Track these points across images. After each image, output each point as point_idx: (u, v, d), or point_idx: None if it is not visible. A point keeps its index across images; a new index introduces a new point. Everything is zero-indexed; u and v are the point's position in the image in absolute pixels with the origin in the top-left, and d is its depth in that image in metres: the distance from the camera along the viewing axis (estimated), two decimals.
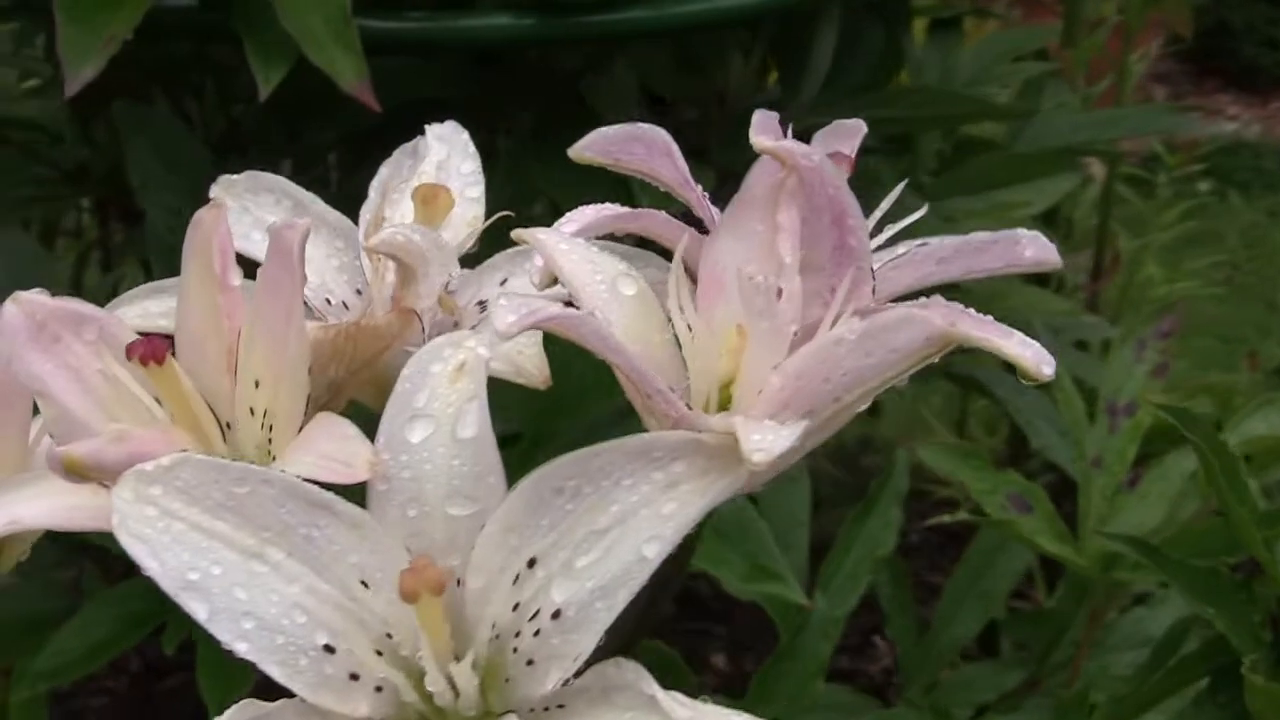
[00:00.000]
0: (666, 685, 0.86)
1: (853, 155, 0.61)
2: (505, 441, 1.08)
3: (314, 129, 1.08)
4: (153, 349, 0.49)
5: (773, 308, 0.47)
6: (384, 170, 0.63)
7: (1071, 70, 1.55)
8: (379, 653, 0.45)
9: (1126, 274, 1.79)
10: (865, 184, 1.25)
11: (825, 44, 1.11)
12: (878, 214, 0.59)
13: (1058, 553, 0.94)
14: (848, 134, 0.62)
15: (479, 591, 0.45)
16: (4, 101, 1.37)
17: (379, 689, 0.44)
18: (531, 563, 0.44)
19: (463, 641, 0.46)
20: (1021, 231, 0.57)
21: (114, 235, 1.43)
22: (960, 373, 1.26)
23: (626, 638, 0.59)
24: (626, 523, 0.43)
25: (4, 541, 0.55)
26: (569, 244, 0.51)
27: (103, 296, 0.59)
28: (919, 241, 0.58)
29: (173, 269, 0.56)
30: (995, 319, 0.53)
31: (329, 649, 0.44)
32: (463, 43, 1.01)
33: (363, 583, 0.45)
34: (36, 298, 0.52)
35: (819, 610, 0.93)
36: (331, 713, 0.44)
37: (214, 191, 0.61)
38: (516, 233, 0.51)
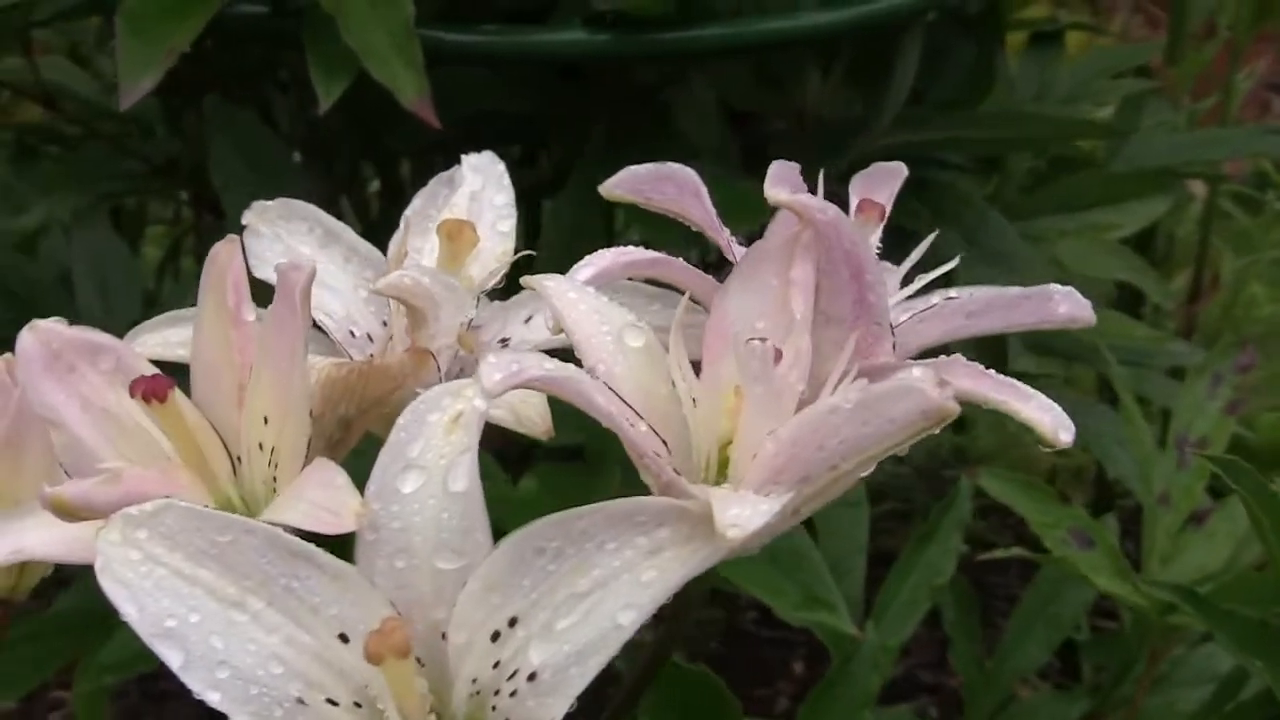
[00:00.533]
0: (712, 715, 0.86)
1: (887, 201, 0.59)
2: (570, 453, 1.07)
3: (389, 136, 1.08)
4: (154, 386, 0.49)
5: (769, 371, 0.45)
6: (417, 200, 0.63)
7: (1176, 87, 1.50)
8: (358, 704, 0.44)
9: (1230, 294, 1.73)
10: (951, 203, 1.23)
11: (909, 61, 1.09)
12: (908, 262, 0.57)
13: (1116, 592, 0.91)
14: (885, 178, 0.60)
15: (461, 647, 0.45)
16: (97, 94, 1.40)
17: None
18: (513, 622, 0.44)
19: (444, 695, 0.45)
20: (1055, 288, 0.55)
21: (206, 226, 1.45)
22: None
23: (651, 659, 0.59)
24: (607, 586, 0.43)
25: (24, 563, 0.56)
26: (577, 293, 0.50)
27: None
28: (949, 293, 0.56)
29: None
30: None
31: (302, 702, 0.43)
32: (536, 57, 1.00)
33: (342, 635, 0.44)
34: (54, 327, 0.52)
35: (870, 640, 0.91)
36: None
37: (247, 218, 0.61)
38: (525, 280, 0.50)
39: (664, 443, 0.48)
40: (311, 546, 0.44)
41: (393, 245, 0.60)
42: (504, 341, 0.58)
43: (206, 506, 0.49)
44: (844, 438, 0.44)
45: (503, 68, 1.06)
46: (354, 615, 0.44)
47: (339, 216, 1.11)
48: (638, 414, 0.47)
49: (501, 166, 0.63)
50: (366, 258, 0.61)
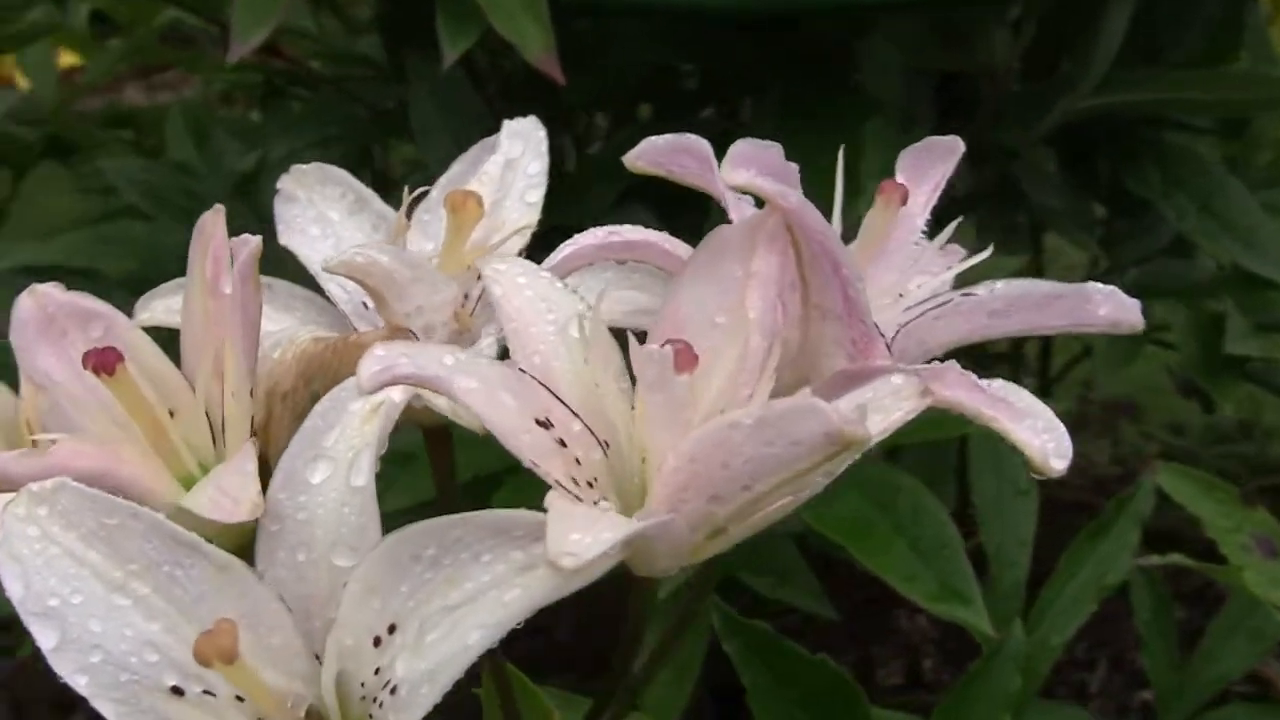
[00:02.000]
0: (835, 705, 0.81)
1: (939, 181, 0.53)
2: None
3: (570, 89, 1.06)
4: (103, 359, 0.48)
5: (667, 379, 0.41)
6: (456, 166, 0.60)
7: None
8: (239, 698, 0.42)
9: None
10: (1186, 168, 1.13)
11: (1118, 16, 0.99)
12: (933, 246, 0.51)
13: None
14: (940, 154, 0.54)
15: (349, 650, 0.42)
16: (343, 40, 1.42)
17: None
18: (392, 629, 0.41)
19: (344, 698, 0.43)
20: (1094, 286, 0.48)
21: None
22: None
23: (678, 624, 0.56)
24: (475, 602, 0.39)
25: None
26: (528, 277, 0.46)
27: None
28: (974, 289, 0.50)
29: None
30: None
31: (177, 691, 0.42)
32: (705, 11, 0.96)
33: None
34: (51, 291, 0.52)
35: (1014, 639, 0.84)
36: None
37: (284, 182, 0.60)
38: (478, 261, 0.47)
39: (604, 445, 0.44)
40: (194, 536, 0.42)
41: (424, 212, 0.58)
42: None
43: (161, 482, 0.48)
44: (749, 457, 0.39)
45: (675, 22, 1.02)
46: (241, 609, 0.42)
47: None
48: (573, 413, 0.44)
49: (542, 133, 0.59)
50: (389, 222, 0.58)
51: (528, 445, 0.40)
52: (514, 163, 0.59)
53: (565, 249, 0.48)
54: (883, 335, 0.47)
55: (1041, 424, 0.44)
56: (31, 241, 1.27)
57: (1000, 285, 0.49)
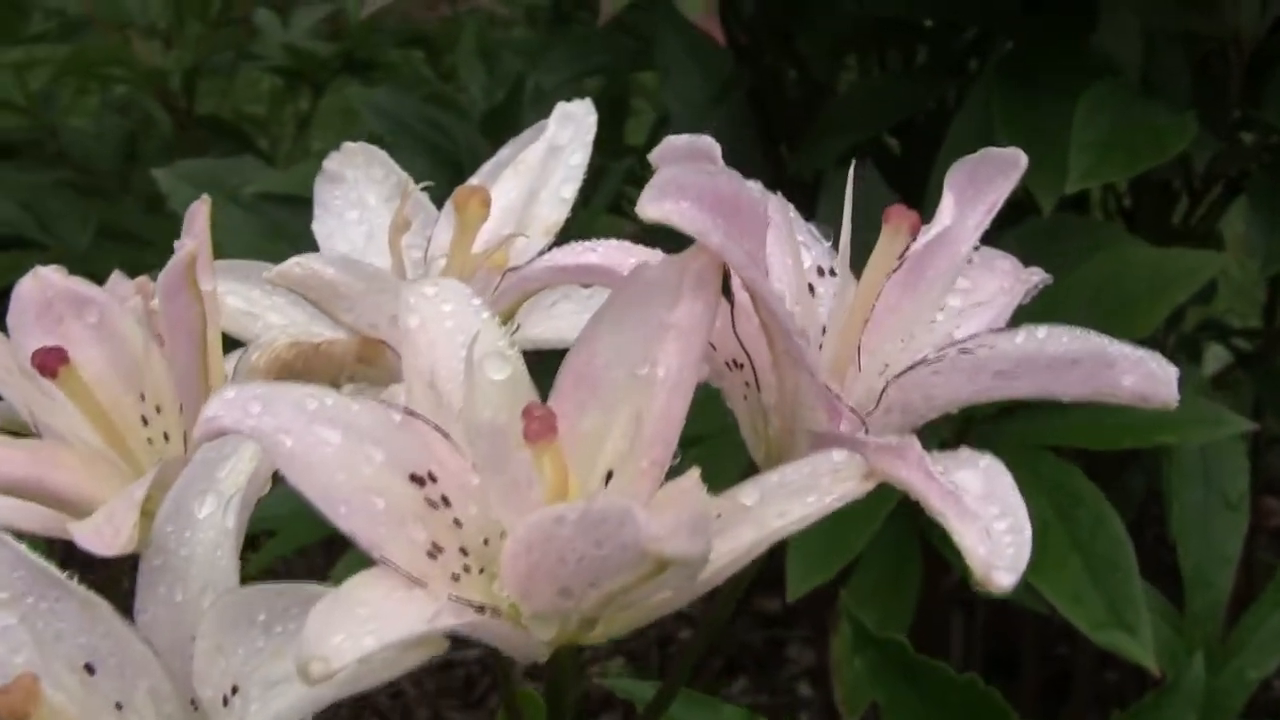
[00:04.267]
0: None
1: (994, 202, 0.45)
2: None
3: (800, 37, 0.99)
4: (45, 360, 0.46)
5: (503, 456, 0.35)
6: (506, 149, 0.55)
7: None
8: None
9: None
10: None
11: None
12: (945, 274, 0.43)
13: None
14: (999, 167, 0.45)
15: (208, 703, 0.39)
16: None
17: None
18: (235, 689, 0.38)
19: None
20: (1120, 351, 0.40)
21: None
22: None
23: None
24: (290, 683, 0.35)
25: None
26: (455, 305, 0.41)
27: None
28: (983, 338, 0.42)
29: None
30: None
31: None
32: None
33: (88, 666, 0.40)
34: (51, 275, 0.51)
35: (1192, 675, 0.74)
36: None
37: (330, 163, 0.56)
38: (403, 286, 0.42)
39: None
40: (56, 573, 0.40)
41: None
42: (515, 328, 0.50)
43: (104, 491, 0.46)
44: (582, 555, 0.33)
45: None
46: (101, 649, 0.40)
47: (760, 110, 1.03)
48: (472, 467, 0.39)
49: (593, 119, 0.54)
50: (430, 217, 0.54)
51: (364, 514, 0.36)
52: (558, 151, 0.53)
53: (527, 267, 0.43)
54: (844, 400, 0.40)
55: (1000, 527, 0.36)
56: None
57: (1006, 341, 0.41)
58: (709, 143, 0.46)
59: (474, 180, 0.54)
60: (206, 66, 1.55)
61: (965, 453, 0.39)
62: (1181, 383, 0.40)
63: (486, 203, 0.49)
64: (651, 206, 0.37)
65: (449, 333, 0.41)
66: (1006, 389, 0.41)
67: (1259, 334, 1.18)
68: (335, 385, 0.48)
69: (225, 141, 1.57)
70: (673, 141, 0.47)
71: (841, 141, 1.02)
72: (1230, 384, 1.21)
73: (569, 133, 0.54)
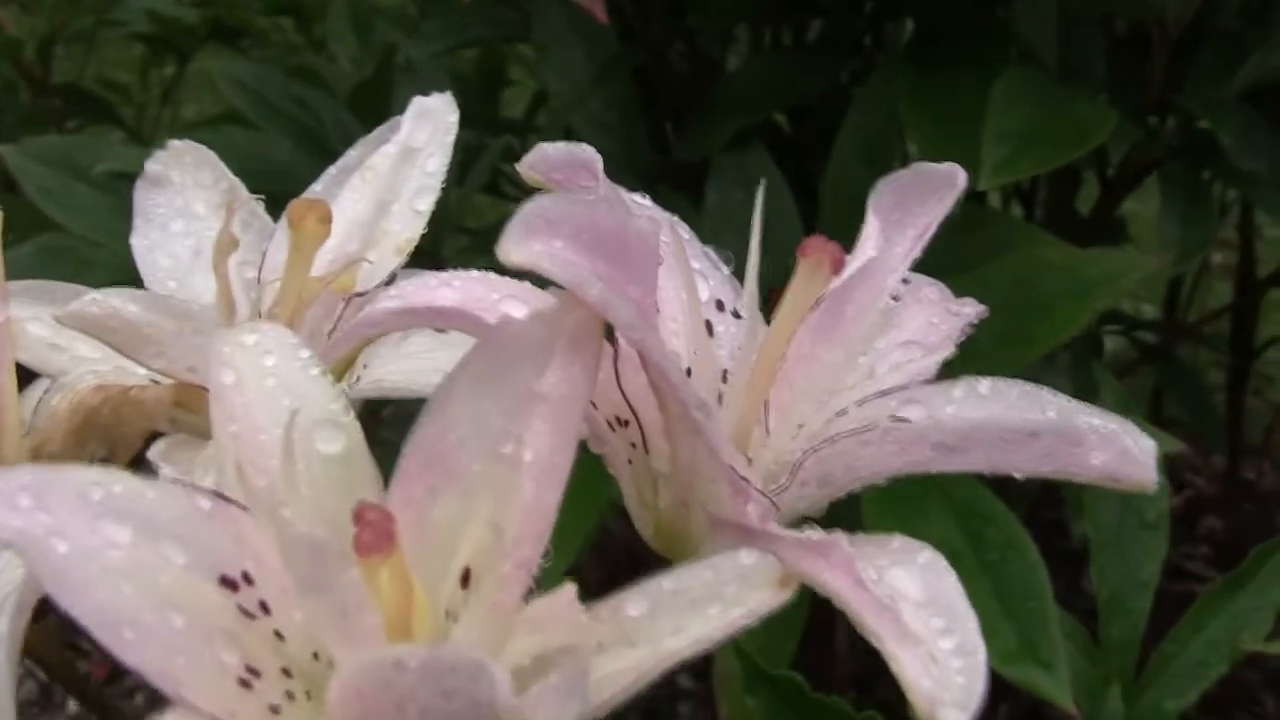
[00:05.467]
0: None
1: (924, 229, 0.38)
2: None
3: (695, 7, 0.91)
4: None
5: (329, 571, 0.27)
6: (355, 150, 0.47)
7: None
8: None
9: None
10: None
11: None
12: (868, 314, 0.36)
13: None
14: (933, 186, 0.38)
15: None
16: None
17: None
18: None
19: None
20: (1088, 423, 0.32)
21: None
22: None
23: None
24: None
25: None
26: (279, 360, 0.33)
27: None
28: (927, 397, 0.35)
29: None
30: None
31: None
32: None
33: None
34: None
35: (1108, 708, 0.68)
36: None
37: (154, 164, 0.48)
38: (214, 336, 0.34)
39: None
40: None
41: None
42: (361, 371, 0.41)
43: None
44: (426, 707, 0.26)
45: None
46: None
47: (645, 87, 0.95)
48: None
49: (454, 117, 0.45)
50: (265, 230, 0.46)
51: (157, 639, 0.28)
52: (412, 154, 0.45)
53: (359, 314, 0.34)
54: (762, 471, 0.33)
55: (946, 647, 0.29)
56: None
57: (943, 400, 0.34)
58: (589, 155, 0.38)
59: (316, 187, 0.46)
60: (69, 33, 1.44)
61: (897, 541, 0.32)
62: (1156, 459, 0.33)
63: (325, 219, 0.41)
64: (516, 248, 0.29)
65: (270, 393, 0.33)
66: (947, 463, 0.34)
67: (1158, 325, 1.14)
68: (149, 434, 0.39)
69: (85, 112, 1.46)
70: (546, 151, 0.39)
71: (732, 123, 0.94)
72: (1126, 375, 1.16)
73: (425, 132, 0.46)
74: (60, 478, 0.29)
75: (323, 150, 1.07)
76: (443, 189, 0.45)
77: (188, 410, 0.39)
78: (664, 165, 1.02)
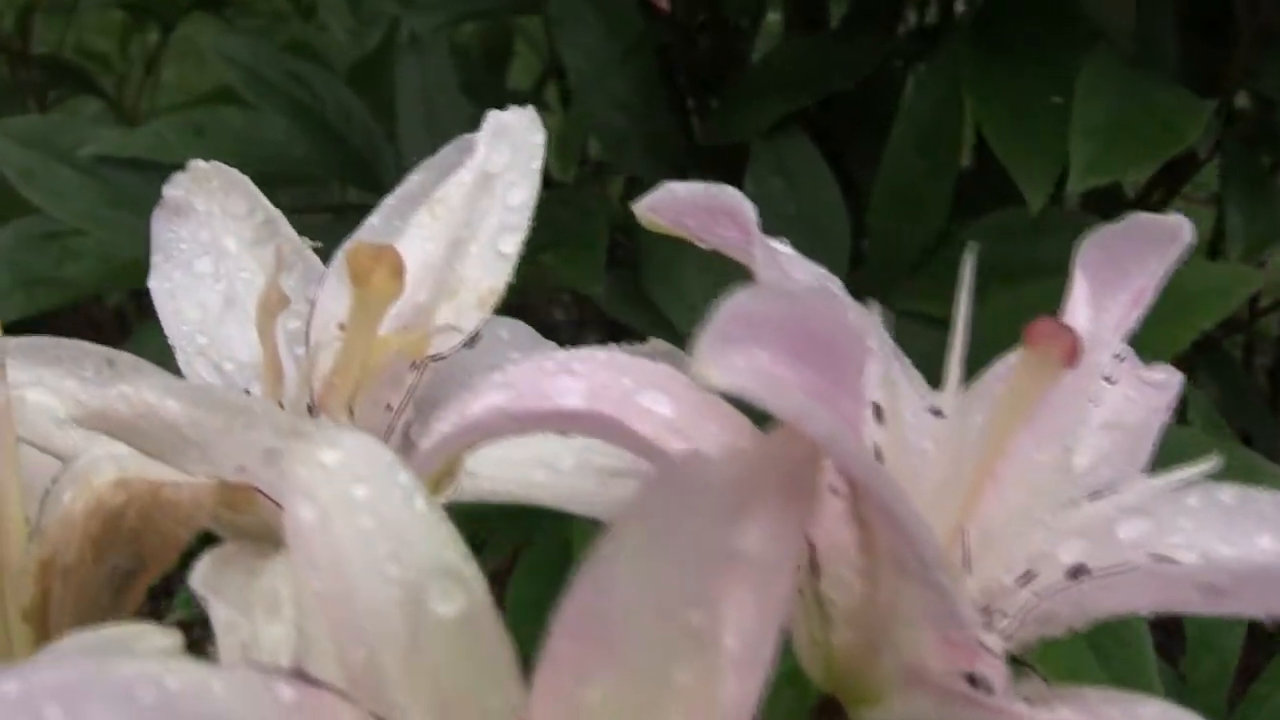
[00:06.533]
0: None
1: (1143, 287, 0.30)
2: None
3: None
4: None
5: None
6: (415, 178, 0.38)
7: None
8: None
9: None
10: None
11: None
12: (1080, 402, 0.29)
13: None
14: (1152, 241, 0.30)
15: None
16: None
17: None
18: None
19: None
20: None
21: None
22: None
23: None
24: None
25: None
26: (373, 482, 0.25)
27: None
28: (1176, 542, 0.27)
29: None
30: None
31: None
32: None
33: None
34: None
35: None
36: None
37: (174, 188, 0.39)
38: (289, 452, 0.25)
39: None
40: None
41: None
42: None
43: None
44: None
45: None
46: None
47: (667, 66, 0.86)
48: None
49: (539, 137, 0.37)
50: (312, 271, 0.37)
51: None
52: (490, 183, 0.37)
53: (454, 414, 0.26)
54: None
55: None
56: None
57: (1192, 521, 0.26)
58: (733, 199, 0.30)
59: (373, 222, 0.37)
60: (49, 2, 1.34)
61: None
62: None
63: (398, 271, 0.33)
64: (719, 368, 0.21)
65: (366, 537, 0.24)
66: (1209, 606, 0.26)
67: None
68: (185, 540, 0.31)
69: (66, 83, 1.36)
70: (676, 191, 0.32)
71: (769, 108, 0.86)
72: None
73: (504, 155, 0.37)
74: (99, 678, 0.21)
75: (324, 131, 0.98)
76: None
77: (235, 511, 0.31)
78: (688, 150, 0.94)
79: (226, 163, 1.00)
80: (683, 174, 0.91)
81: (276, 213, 0.38)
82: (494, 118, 0.37)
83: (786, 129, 0.84)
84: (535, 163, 0.37)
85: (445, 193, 0.37)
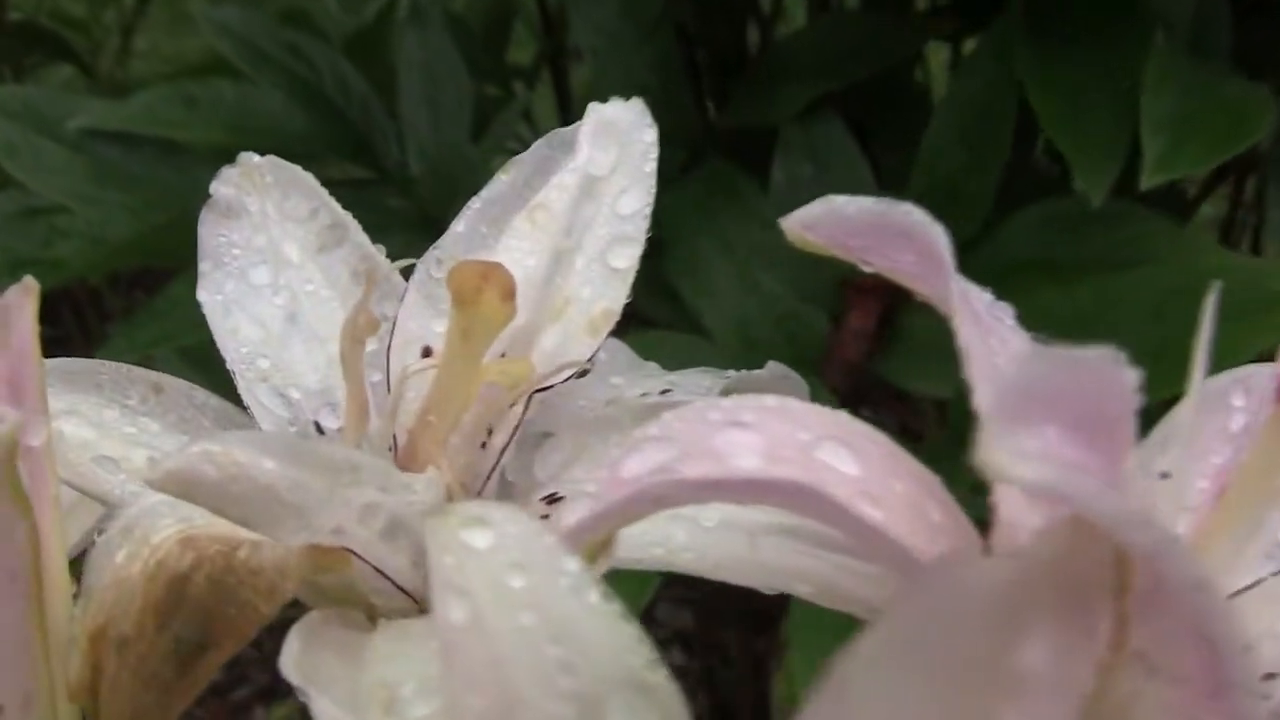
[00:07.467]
0: None
1: None
2: None
3: None
4: None
5: None
6: (503, 178, 0.33)
7: None
8: None
9: None
10: None
11: None
12: None
13: None
14: None
15: None
16: None
17: None
18: None
19: None
20: None
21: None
22: None
23: None
24: None
25: None
26: (532, 571, 0.20)
27: None
28: None
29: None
30: None
31: None
32: None
33: None
34: None
35: None
36: None
37: (222, 185, 0.34)
38: (429, 530, 0.21)
39: None
40: None
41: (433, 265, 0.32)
42: (549, 498, 0.28)
43: None
44: None
45: None
46: None
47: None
48: None
49: (651, 135, 0.32)
50: (391, 287, 0.32)
51: None
52: (596, 187, 0.32)
53: (606, 482, 0.21)
54: None
55: None
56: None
57: None
58: (912, 217, 0.26)
59: (458, 229, 0.32)
60: None
61: None
62: None
63: (509, 293, 0.28)
64: (1021, 462, 0.16)
65: (530, 640, 0.20)
66: None
67: None
68: (267, 615, 0.26)
69: (41, 49, 1.29)
70: (839, 207, 0.27)
71: (799, 93, 0.81)
72: None
73: (610, 155, 0.32)
74: None
75: (319, 103, 0.92)
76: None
77: (326, 572, 0.26)
78: (706, 132, 0.89)
79: (220, 136, 0.94)
80: (700, 158, 0.86)
81: (345, 215, 0.33)
82: (596, 112, 0.33)
83: (818, 112, 0.79)
84: (648, 165, 0.32)
85: (546, 198, 0.32)
